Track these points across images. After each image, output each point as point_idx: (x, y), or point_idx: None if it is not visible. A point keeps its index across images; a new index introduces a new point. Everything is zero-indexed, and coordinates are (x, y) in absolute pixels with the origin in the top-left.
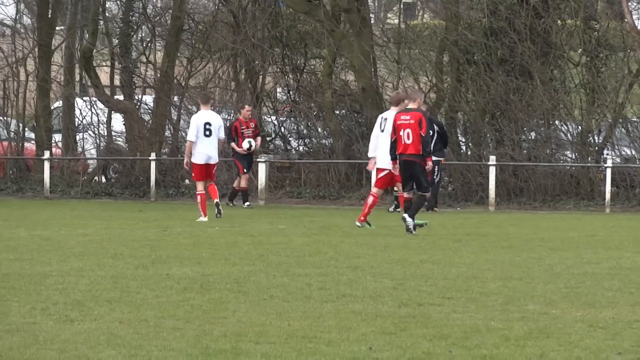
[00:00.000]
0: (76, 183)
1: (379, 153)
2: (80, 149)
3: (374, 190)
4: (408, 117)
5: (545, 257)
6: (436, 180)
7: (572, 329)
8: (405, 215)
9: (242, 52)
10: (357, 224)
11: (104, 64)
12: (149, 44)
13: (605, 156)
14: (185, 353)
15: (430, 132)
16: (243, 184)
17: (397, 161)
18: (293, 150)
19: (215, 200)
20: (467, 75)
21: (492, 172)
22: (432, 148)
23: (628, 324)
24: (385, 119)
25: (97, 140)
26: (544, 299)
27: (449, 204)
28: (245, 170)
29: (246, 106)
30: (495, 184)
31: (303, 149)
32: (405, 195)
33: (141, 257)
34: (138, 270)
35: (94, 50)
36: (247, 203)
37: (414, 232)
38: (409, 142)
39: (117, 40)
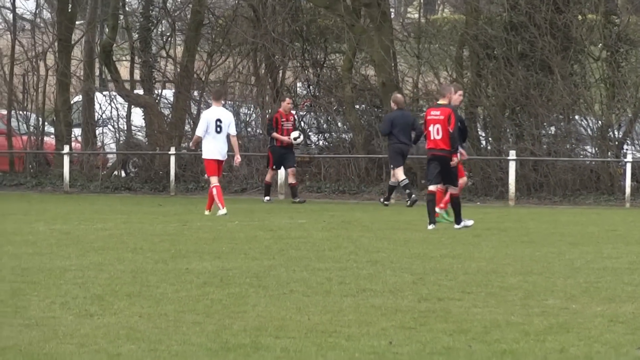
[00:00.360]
0: (96, 177)
1: None
2: (99, 144)
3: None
4: (438, 113)
5: (565, 251)
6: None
7: (592, 323)
8: (455, 226)
9: (262, 46)
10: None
11: (123, 58)
12: (169, 39)
13: (625, 151)
14: (205, 347)
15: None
16: (267, 178)
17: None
18: (313, 144)
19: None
20: (487, 70)
21: (512, 166)
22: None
23: None
24: None
25: (117, 135)
26: (564, 294)
27: (469, 198)
28: (274, 167)
29: (287, 99)
30: (515, 178)
31: (323, 143)
32: (431, 188)
33: (161, 251)
34: (158, 264)
35: (114, 45)
36: (267, 198)
37: (464, 222)
38: (438, 137)
39: (137, 35)
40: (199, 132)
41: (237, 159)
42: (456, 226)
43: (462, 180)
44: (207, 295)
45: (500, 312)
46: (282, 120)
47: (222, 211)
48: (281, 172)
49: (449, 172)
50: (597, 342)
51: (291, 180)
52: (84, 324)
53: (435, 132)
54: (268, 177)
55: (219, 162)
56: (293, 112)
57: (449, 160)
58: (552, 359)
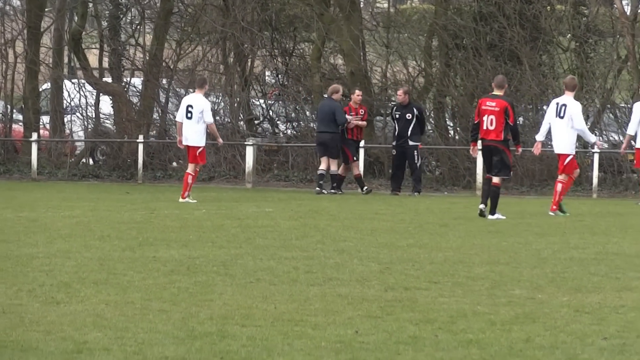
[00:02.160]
0: (64, 165)
1: (557, 139)
2: (68, 131)
3: (560, 177)
4: (494, 104)
5: (532, 242)
6: (418, 165)
7: (558, 313)
8: (489, 216)
9: (231, 35)
10: (550, 213)
11: (92, 46)
12: (138, 27)
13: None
14: (172, 335)
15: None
16: (355, 171)
17: (476, 144)
18: (281, 133)
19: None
20: (455, 59)
21: (480, 156)
22: (410, 133)
23: (614, 309)
24: (564, 104)
25: (85, 123)
26: (531, 284)
27: (437, 188)
28: (355, 158)
29: (357, 91)
30: (482, 168)
31: (291, 132)
32: (495, 180)
33: (128, 239)
34: (125, 252)
35: (83, 33)
36: (366, 188)
37: (497, 215)
38: (491, 128)
39: (106, 23)
40: (177, 117)
41: (219, 141)
42: (490, 217)
43: (576, 173)
44: (173, 284)
45: (467, 301)
46: (351, 114)
47: (182, 200)
48: (249, 160)
49: (500, 162)
50: (563, 332)
51: (356, 172)
52: (51, 311)
53: (488, 122)
54: (356, 171)
55: (187, 147)
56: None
57: (499, 150)
58: (517, 349)
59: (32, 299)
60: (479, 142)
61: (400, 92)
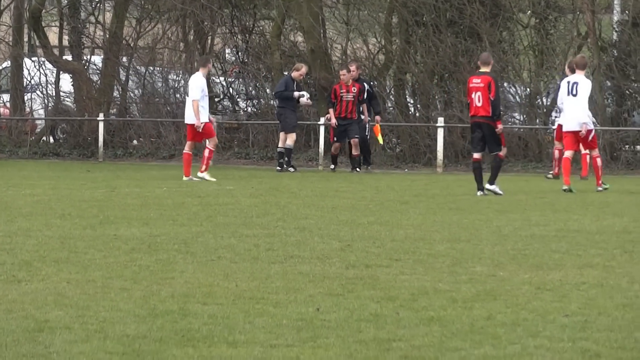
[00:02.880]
0: (24, 143)
1: (572, 116)
2: (28, 109)
3: (594, 152)
4: (479, 81)
5: (493, 219)
6: (368, 138)
7: (520, 291)
8: (487, 185)
9: (191, 12)
10: (598, 189)
11: (52, 24)
12: (98, 5)
13: (553, 118)
14: (133, 314)
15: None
16: (332, 150)
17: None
18: (241, 111)
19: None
20: (415, 36)
21: (440, 133)
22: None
23: (575, 286)
24: (576, 82)
25: (46, 101)
26: (492, 261)
27: (397, 165)
28: (336, 140)
29: (344, 69)
30: (443, 145)
31: (251, 110)
32: (475, 155)
33: (89, 217)
34: (86, 230)
35: (43, 11)
36: (332, 166)
37: (497, 190)
38: (479, 104)
39: (65, 1)
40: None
41: (197, 123)
42: (488, 185)
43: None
44: (135, 262)
45: (428, 279)
46: (342, 91)
47: (185, 178)
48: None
49: (492, 138)
50: (524, 310)
51: (354, 151)
52: (12, 290)
53: (476, 99)
54: (333, 149)
55: (188, 125)
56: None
57: (490, 127)
58: (479, 326)
59: None
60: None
61: (353, 66)
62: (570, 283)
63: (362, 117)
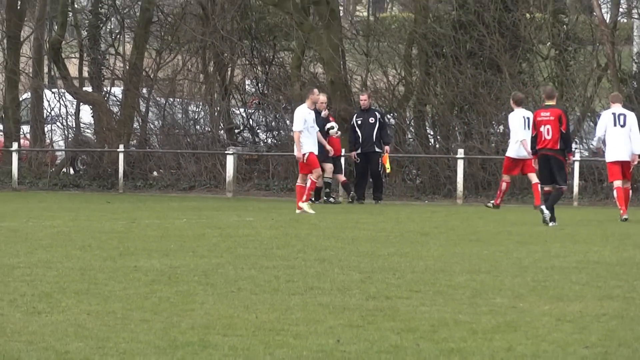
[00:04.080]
0: (44, 175)
1: (622, 147)
2: (48, 141)
3: (627, 184)
4: (548, 114)
5: (513, 250)
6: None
7: (540, 322)
8: (543, 207)
9: (211, 44)
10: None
11: (72, 55)
12: (118, 36)
13: (573, 150)
14: (153, 345)
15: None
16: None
17: (537, 155)
18: (261, 142)
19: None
20: (435, 68)
21: (460, 165)
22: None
23: (595, 317)
24: (623, 114)
25: (66, 132)
26: (512, 293)
27: (417, 197)
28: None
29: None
30: (463, 177)
31: (271, 141)
32: (546, 188)
33: (109, 249)
34: (106, 262)
35: (63, 42)
36: (352, 194)
37: (550, 223)
38: (548, 137)
39: (85, 32)
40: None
41: (297, 155)
42: (543, 207)
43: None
44: (155, 293)
45: (448, 310)
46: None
47: (298, 211)
48: (229, 169)
49: (560, 171)
50: (545, 341)
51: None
52: (32, 321)
53: (545, 132)
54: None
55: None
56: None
57: (558, 160)
58: (499, 358)
59: (14, 309)
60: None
61: (364, 96)
62: (590, 315)
63: (378, 149)
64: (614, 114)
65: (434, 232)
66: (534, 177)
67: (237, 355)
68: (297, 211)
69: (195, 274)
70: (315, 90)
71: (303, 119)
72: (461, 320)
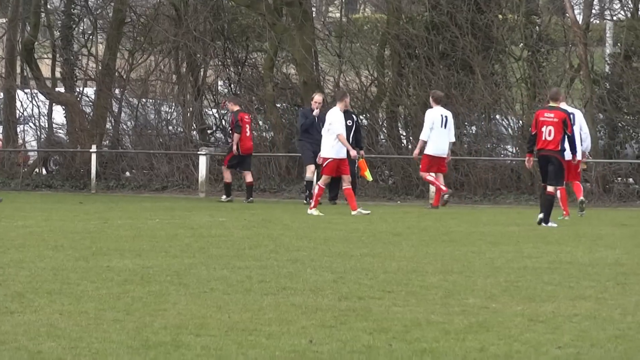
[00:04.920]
0: (16, 175)
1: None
2: (20, 141)
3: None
4: (552, 115)
5: (486, 250)
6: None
7: (512, 322)
8: (551, 224)
9: (184, 45)
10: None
11: (45, 56)
12: (91, 37)
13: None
14: (126, 345)
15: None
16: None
17: (532, 155)
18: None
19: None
20: (408, 69)
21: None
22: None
23: (568, 318)
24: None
25: (38, 132)
26: (484, 293)
27: (390, 197)
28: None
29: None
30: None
31: None
32: (549, 189)
33: (81, 249)
34: (78, 262)
35: (36, 43)
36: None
37: (550, 224)
38: (549, 138)
39: (58, 33)
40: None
41: (352, 153)
42: (544, 224)
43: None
44: (127, 293)
45: (421, 311)
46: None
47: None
48: (202, 169)
49: (558, 171)
50: (517, 341)
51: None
52: (5, 321)
53: (547, 132)
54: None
55: (322, 158)
56: (214, 110)
57: (555, 160)
58: (471, 358)
59: None
60: (535, 152)
61: (346, 99)
62: (562, 315)
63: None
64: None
65: (407, 232)
66: (441, 177)
67: (210, 355)
68: (353, 212)
69: (167, 274)
70: (348, 95)
71: (341, 121)
72: (434, 320)
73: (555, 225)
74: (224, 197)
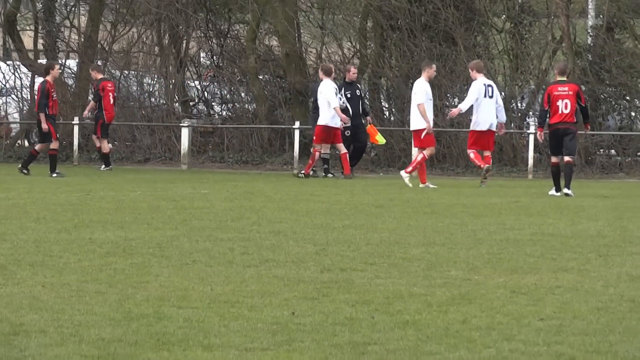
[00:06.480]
0: None
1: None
2: (3, 113)
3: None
4: (566, 89)
5: (468, 223)
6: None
7: (495, 294)
8: (569, 191)
9: (166, 16)
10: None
11: (27, 28)
12: (73, 8)
13: (528, 122)
14: (108, 317)
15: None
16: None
17: (543, 129)
18: (216, 115)
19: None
20: (390, 41)
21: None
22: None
23: (550, 290)
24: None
25: (20, 105)
26: (467, 265)
27: (372, 169)
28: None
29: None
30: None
31: (226, 113)
32: (554, 160)
33: (64, 221)
34: (61, 234)
35: (18, 14)
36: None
37: (565, 191)
38: (566, 111)
39: (40, 5)
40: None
41: (427, 127)
42: (566, 190)
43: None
44: (110, 265)
45: (403, 283)
46: (52, 91)
47: (422, 185)
48: (184, 141)
49: (570, 141)
50: (499, 313)
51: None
52: None
53: (563, 106)
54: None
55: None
56: (196, 82)
57: (573, 132)
58: (454, 330)
59: None
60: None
61: (354, 69)
62: (545, 287)
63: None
64: (484, 84)
65: (389, 204)
66: (342, 148)
67: (192, 327)
68: (421, 185)
69: (150, 246)
70: (433, 66)
71: (425, 91)
72: (416, 292)
73: (573, 195)
74: (103, 166)
